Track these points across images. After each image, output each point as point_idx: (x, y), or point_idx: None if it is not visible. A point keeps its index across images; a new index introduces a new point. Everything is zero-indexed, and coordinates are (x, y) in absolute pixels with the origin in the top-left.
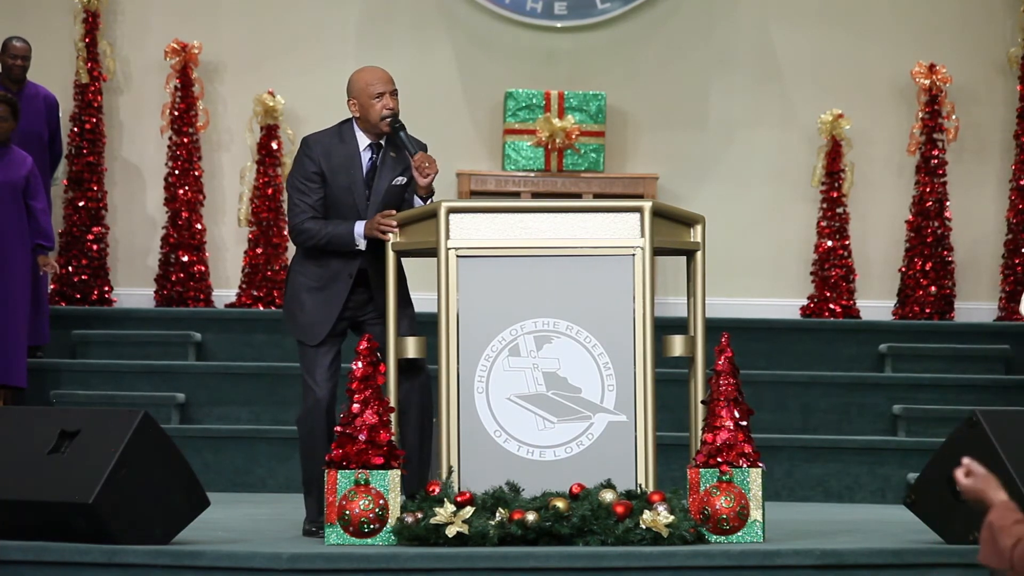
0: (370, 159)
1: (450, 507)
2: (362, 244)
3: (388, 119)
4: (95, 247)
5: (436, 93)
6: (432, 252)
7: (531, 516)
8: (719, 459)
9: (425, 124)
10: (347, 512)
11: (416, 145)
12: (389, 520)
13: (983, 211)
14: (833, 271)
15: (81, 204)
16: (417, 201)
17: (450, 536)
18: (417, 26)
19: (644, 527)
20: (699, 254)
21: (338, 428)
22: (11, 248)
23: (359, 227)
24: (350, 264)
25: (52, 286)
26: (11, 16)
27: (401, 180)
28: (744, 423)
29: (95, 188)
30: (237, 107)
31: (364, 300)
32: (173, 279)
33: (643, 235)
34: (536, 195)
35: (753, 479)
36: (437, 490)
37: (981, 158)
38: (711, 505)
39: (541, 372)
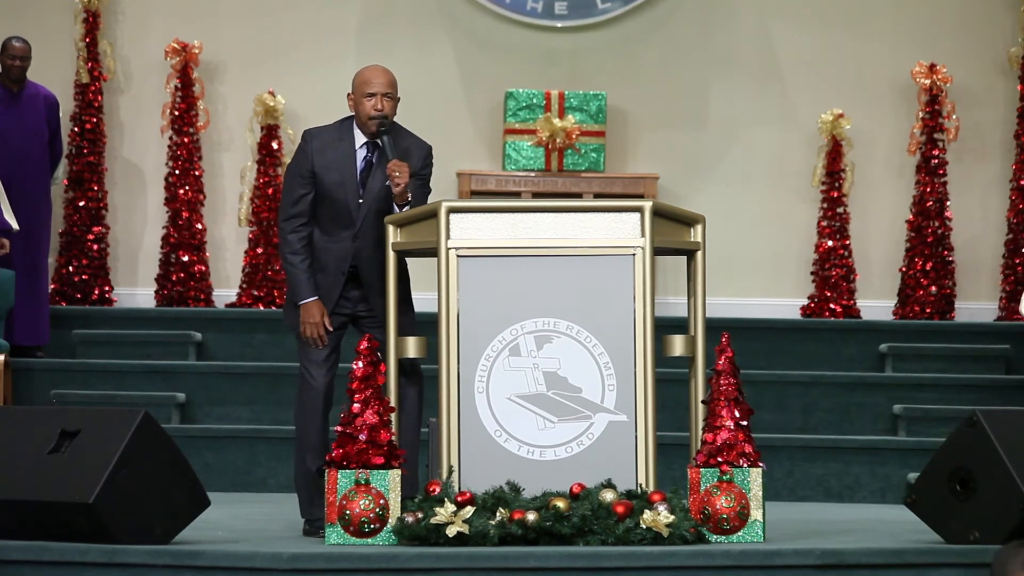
0: (364, 158)
1: (450, 507)
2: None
3: (376, 120)
4: (95, 247)
5: (436, 93)
6: (432, 252)
7: (531, 516)
8: (719, 459)
9: (425, 124)
10: (347, 512)
11: (400, 151)
12: (389, 520)
13: (983, 211)
14: (833, 271)
15: (81, 204)
16: (394, 208)
17: (450, 536)
18: (417, 26)
19: (644, 527)
20: (699, 254)
21: (338, 428)
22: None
23: (305, 301)
24: (343, 262)
25: (52, 285)
26: (11, 16)
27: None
28: (744, 423)
29: (95, 188)
30: (237, 107)
31: (359, 297)
32: (173, 279)
33: (643, 235)
34: (536, 195)
35: (753, 479)
36: (437, 490)
37: (981, 158)
38: (711, 505)
39: (541, 372)
